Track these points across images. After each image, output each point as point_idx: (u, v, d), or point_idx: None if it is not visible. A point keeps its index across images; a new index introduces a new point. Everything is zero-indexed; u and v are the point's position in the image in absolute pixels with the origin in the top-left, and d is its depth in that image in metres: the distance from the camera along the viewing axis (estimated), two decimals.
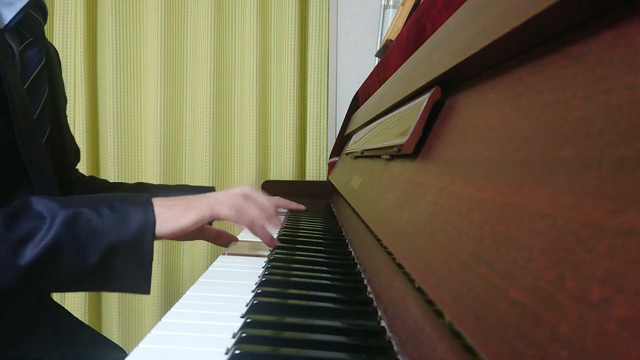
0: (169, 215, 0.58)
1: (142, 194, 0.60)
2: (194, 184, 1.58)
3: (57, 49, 1.49)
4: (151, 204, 0.58)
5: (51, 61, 0.75)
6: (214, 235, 0.76)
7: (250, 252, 0.71)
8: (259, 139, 1.56)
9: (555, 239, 0.19)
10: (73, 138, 0.90)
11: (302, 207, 1.05)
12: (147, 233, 0.55)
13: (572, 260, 0.18)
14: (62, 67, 1.50)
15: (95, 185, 0.94)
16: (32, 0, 0.64)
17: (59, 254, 0.52)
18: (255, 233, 0.67)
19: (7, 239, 0.50)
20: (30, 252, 0.50)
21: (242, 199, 0.64)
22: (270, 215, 0.67)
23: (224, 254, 0.69)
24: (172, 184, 1.56)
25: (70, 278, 0.54)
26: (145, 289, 0.57)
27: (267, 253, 0.69)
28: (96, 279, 0.55)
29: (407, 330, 0.35)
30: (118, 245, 0.54)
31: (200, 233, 0.74)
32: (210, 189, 0.97)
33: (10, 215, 0.51)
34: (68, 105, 1.52)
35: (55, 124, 0.74)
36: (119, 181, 1.45)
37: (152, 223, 0.56)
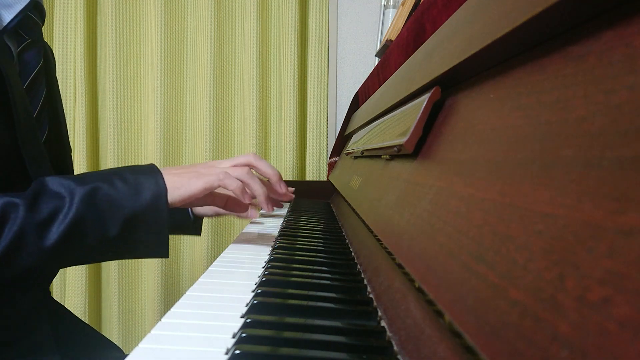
0: (178, 183, 0.61)
1: (147, 164, 0.63)
2: None
3: (57, 49, 1.51)
4: (160, 173, 0.61)
5: (48, 62, 0.75)
6: (224, 201, 0.76)
7: (252, 250, 0.71)
8: (259, 139, 1.56)
9: (555, 239, 0.19)
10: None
11: (291, 195, 1.08)
12: (161, 200, 0.58)
13: (572, 260, 0.18)
14: (62, 67, 1.51)
15: None
16: (31, 2, 0.64)
17: (82, 230, 0.54)
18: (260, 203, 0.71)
19: (31, 223, 0.51)
20: (55, 232, 0.52)
21: (249, 175, 0.67)
22: (276, 182, 0.72)
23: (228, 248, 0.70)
24: None
25: (94, 251, 0.57)
26: (164, 253, 0.60)
27: (267, 254, 0.69)
28: (118, 249, 0.58)
29: (407, 330, 0.35)
30: (136, 215, 0.57)
31: (210, 199, 0.74)
32: None
33: (30, 198, 0.53)
34: (68, 105, 1.53)
35: (54, 124, 0.74)
36: None
37: (164, 190, 0.59)
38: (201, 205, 0.78)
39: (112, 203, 0.56)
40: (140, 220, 0.57)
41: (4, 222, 0.51)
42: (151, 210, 0.58)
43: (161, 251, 0.60)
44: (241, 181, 0.66)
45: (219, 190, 0.70)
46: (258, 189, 0.68)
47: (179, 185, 0.61)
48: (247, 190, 0.67)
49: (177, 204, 0.61)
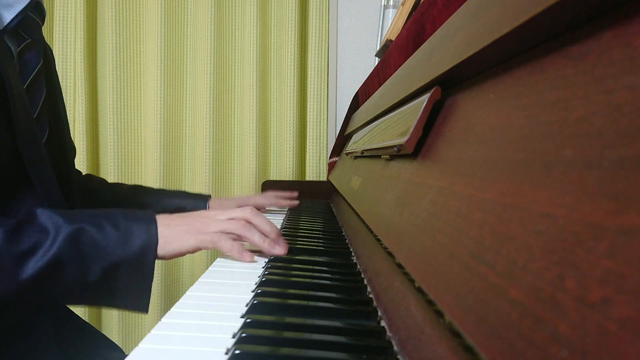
0: (171, 237, 0.59)
1: (145, 211, 0.61)
2: (194, 184, 1.58)
3: (57, 49, 1.51)
4: (155, 223, 0.58)
5: (48, 61, 0.75)
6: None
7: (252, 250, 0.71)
8: (259, 139, 1.56)
9: (555, 239, 0.19)
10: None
11: (295, 203, 1.08)
12: (149, 253, 0.56)
13: (572, 260, 0.18)
14: (62, 67, 1.51)
15: (92, 184, 0.95)
16: (31, 2, 0.64)
17: (61, 269, 0.52)
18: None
19: (10, 252, 0.50)
20: (32, 266, 0.51)
21: (246, 228, 0.63)
22: (274, 240, 0.65)
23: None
24: (170, 188, 1.56)
25: (70, 292, 0.55)
26: (144, 307, 0.57)
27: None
28: (95, 295, 0.56)
29: (407, 330, 0.35)
30: (120, 263, 0.54)
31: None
32: (207, 198, 0.99)
33: (15, 227, 0.52)
34: (68, 105, 1.53)
35: (55, 125, 0.74)
36: (119, 182, 1.46)
37: (155, 243, 0.57)
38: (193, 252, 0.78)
39: (96, 247, 0.54)
40: (123, 269, 0.55)
41: None
42: (137, 261, 0.55)
43: (141, 304, 0.57)
44: (238, 235, 0.63)
45: None
46: (258, 241, 0.63)
47: (171, 240, 0.58)
48: (245, 255, 0.63)
49: (166, 258, 0.59)
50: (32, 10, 0.66)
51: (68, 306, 0.83)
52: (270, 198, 1.07)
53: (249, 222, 0.64)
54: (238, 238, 0.63)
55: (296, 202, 1.11)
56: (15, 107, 0.59)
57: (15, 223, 0.52)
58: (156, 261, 0.57)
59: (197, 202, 0.97)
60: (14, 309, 0.54)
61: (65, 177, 0.75)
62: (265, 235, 0.64)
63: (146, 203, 0.94)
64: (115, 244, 0.55)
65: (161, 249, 0.57)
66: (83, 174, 0.96)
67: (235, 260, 0.63)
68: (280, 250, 0.65)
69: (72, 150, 0.88)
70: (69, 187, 0.75)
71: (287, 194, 1.12)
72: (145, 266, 0.56)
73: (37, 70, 0.67)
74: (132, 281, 0.55)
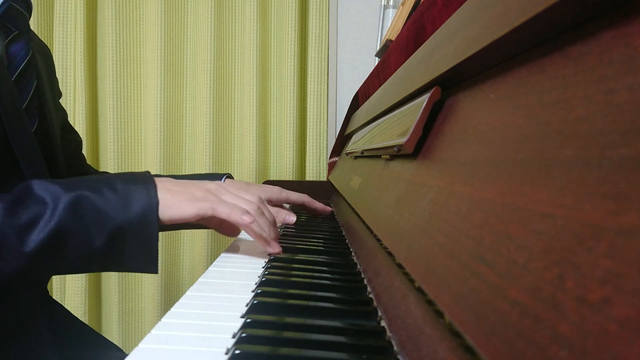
0: (170, 201, 0.57)
1: (142, 173, 0.60)
2: None
3: (57, 49, 1.51)
4: (153, 183, 0.57)
5: (39, 54, 0.74)
6: (218, 223, 0.71)
7: (252, 250, 0.71)
8: (259, 139, 1.56)
9: (555, 239, 0.19)
10: (73, 129, 0.91)
11: (328, 209, 0.98)
12: (151, 214, 0.55)
13: (572, 260, 0.18)
14: (62, 67, 1.51)
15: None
16: None
17: (64, 239, 0.52)
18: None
19: (11, 226, 0.49)
20: (35, 239, 0.50)
21: (248, 205, 0.62)
22: (271, 238, 0.63)
23: (225, 251, 0.70)
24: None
25: (77, 261, 0.54)
26: (152, 268, 0.57)
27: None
28: (103, 261, 0.55)
29: (407, 330, 0.35)
30: (123, 227, 0.54)
31: (204, 220, 0.68)
32: (226, 175, 0.90)
33: (13, 201, 0.51)
34: (68, 105, 1.53)
35: (42, 117, 0.73)
36: None
37: (156, 204, 0.56)
38: (193, 228, 0.75)
39: (98, 213, 0.53)
40: (128, 233, 0.54)
41: None
42: (140, 223, 0.54)
43: (150, 267, 0.56)
44: (237, 208, 0.60)
45: None
46: (264, 223, 0.61)
47: (171, 205, 0.57)
48: (246, 217, 0.60)
49: (165, 223, 0.57)
50: (17, 1, 0.66)
51: (66, 307, 0.83)
52: (304, 196, 0.96)
53: (249, 213, 0.61)
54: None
55: (329, 209, 1.02)
56: (2, 98, 0.58)
57: (11, 197, 0.51)
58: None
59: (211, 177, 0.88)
60: (24, 284, 0.52)
61: (56, 167, 0.74)
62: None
63: None
64: (116, 207, 0.54)
65: (161, 212, 0.56)
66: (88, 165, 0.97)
67: (235, 223, 0.60)
68: (275, 248, 0.63)
69: (78, 144, 0.88)
70: (59, 177, 0.75)
71: (321, 205, 0.99)
72: (149, 227, 0.55)
73: (26, 62, 0.67)
74: (138, 243, 0.55)
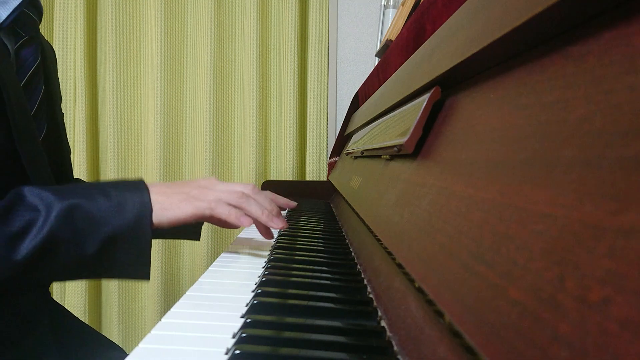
0: (167, 204, 0.57)
1: (135, 179, 0.59)
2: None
3: (57, 49, 1.51)
4: (147, 190, 0.57)
5: (47, 59, 0.74)
6: (218, 219, 0.71)
7: (252, 250, 0.71)
8: (259, 139, 1.56)
9: (555, 239, 0.19)
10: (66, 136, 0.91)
11: (293, 203, 1.05)
12: (144, 220, 0.55)
13: (572, 260, 0.18)
14: (62, 67, 1.51)
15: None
16: None
17: (56, 247, 0.51)
18: (258, 228, 0.68)
19: (2, 234, 0.49)
20: (26, 247, 0.50)
21: (244, 199, 0.63)
22: (273, 215, 0.64)
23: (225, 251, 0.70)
24: None
25: (69, 269, 0.54)
26: (145, 275, 0.56)
27: (267, 254, 0.69)
28: (95, 269, 0.55)
29: (407, 330, 0.35)
30: (116, 234, 0.53)
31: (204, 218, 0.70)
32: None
33: (4, 208, 0.51)
34: (68, 105, 1.54)
35: (52, 122, 0.73)
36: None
37: (149, 210, 0.55)
38: (192, 238, 0.74)
39: (91, 221, 0.53)
40: (121, 240, 0.53)
41: None
42: (133, 230, 0.54)
43: (142, 274, 0.56)
44: (237, 207, 0.61)
45: None
46: (256, 211, 0.62)
47: (167, 207, 0.57)
48: (243, 219, 0.61)
49: (164, 226, 0.57)
50: (28, 6, 0.66)
51: (66, 307, 0.83)
52: (267, 193, 1.02)
53: (248, 196, 0.63)
54: (237, 208, 0.62)
55: (294, 203, 1.08)
56: (11, 104, 0.58)
57: (4, 204, 0.51)
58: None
59: None
60: (16, 290, 0.52)
61: (63, 174, 0.75)
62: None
63: None
64: (110, 215, 0.53)
65: (157, 217, 0.56)
66: (76, 176, 0.96)
67: (234, 225, 0.62)
68: (279, 223, 0.64)
69: (68, 150, 0.88)
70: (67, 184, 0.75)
71: (285, 200, 1.07)
72: (142, 234, 0.54)
73: (35, 67, 0.67)
74: (130, 251, 0.54)
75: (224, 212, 0.60)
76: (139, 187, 0.57)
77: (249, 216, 0.63)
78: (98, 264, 0.54)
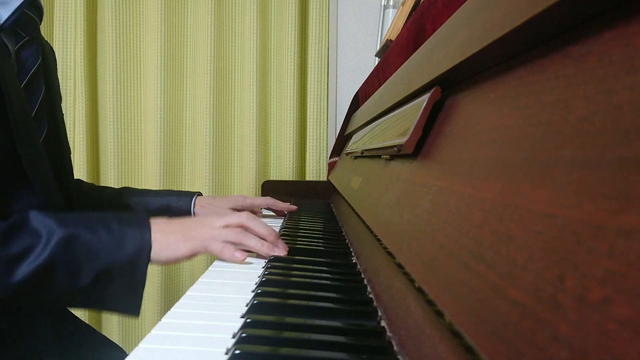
0: (165, 243, 0.58)
1: (139, 215, 0.60)
2: (194, 184, 1.58)
3: (57, 49, 1.51)
4: (148, 228, 0.58)
5: (47, 60, 0.74)
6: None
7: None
8: (259, 139, 1.56)
9: (555, 239, 0.19)
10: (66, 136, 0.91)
11: (293, 208, 1.06)
12: (142, 258, 0.56)
13: (572, 260, 0.18)
14: (62, 67, 1.51)
15: (82, 187, 0.94)
16: (28, 0, 0.63)
17: (52, 274, 0.52)
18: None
19: (1, 256, 0.50)
20: (23, 271, 0.51)
21: (242, 234, 0.63)
22: (272, 242, 0.65)
23: None
24: (170, 188, 1.56)
25: (61, 296, 0.55)
26: (134, 311, 0.57)
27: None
28: (86, 299, 0.56)
29: (407, 330, 0.35)
30: (112, 268, 0.54)
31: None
32: (193, 194, 0.95)
33: (6, 230, 0.52)
34: (68, 105, 1.53)
35: (52, 123, 0.73)
36: (117, 181, 1.45)
37: (148, 249, 0.57)
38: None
39: (89, 252, 0.54)
40: (116, 274, 0.54)
41: None
42: (129, 267, 0.55)
43: (131, 310, 0.56)
44: (234, 243, 0.62)
45: None
46: (256, 245, 0.63)
47: (166, 247, 0.58)
48: (237, 254, 0.62)
49: (160, 264, 0.59)
50: (28, 7, 0.66)
51: (66, 307, 0.83)
52: (267, 199, 1.04)
53: (244, 227, 0.64)
54: (235, 244, 0.63)
55: (294, 207, 1.08)
56: (12, 105, 0.58)
57: (6, 226, 0.52)
58: (154, 265, 0.58)
59: (181, 198, 0.94)
60: (4, 307, 0.53)
61: (64, 175, 0.75)
62: (263, 239, 0.64)
63: (133, 203, 0.93)
64: (108, 248, 0.54)
65: (155, 255, 0.57)
66: (77, 176, 0.96)
67: (231, 263, 0.63)
68: (279, 251, 0.65)
69: (68, 150, 0.88)
70: (67, 185, 0.75)
71: (286, 204, 1.07)
72: (138, 271, 0.55)
73: (35, 68, 0.67)
74: (123, 286, 0.55)
75: (217, 249, 0.61)
76: (141, 224, 0.58)
77: (249, 250, 0.64)
78: (90, 295, 0.55)
